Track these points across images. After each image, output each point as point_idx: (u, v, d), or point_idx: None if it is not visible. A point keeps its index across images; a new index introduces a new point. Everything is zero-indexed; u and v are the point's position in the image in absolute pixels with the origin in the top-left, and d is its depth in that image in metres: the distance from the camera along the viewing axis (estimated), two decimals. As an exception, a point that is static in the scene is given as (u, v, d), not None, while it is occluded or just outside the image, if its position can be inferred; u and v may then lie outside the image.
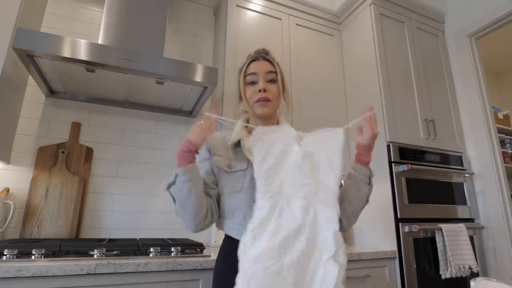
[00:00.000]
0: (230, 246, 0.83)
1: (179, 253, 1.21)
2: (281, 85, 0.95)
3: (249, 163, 0.86)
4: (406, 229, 1.58)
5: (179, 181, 0.78)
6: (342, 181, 0.88)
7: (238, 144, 0.90)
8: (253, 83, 0.92)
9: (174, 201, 0.81)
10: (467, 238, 1.63)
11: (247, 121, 0.96)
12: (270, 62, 0.95)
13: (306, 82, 1.97)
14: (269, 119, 0.94)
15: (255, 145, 0.76)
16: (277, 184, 0.72)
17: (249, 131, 0.91)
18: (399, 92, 1.87)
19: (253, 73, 0.92)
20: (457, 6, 2.17)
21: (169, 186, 0.80)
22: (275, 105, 0.93)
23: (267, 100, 0.89)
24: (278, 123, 0.96)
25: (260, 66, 0.93)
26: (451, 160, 1.88)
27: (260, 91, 0.89)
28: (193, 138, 0.78)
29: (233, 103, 1.72)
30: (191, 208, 0.79)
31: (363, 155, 0.85)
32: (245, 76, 0.94)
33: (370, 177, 0.87)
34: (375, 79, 1.85)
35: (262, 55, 0.96)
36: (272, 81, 0.93)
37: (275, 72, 0.94)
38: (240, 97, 0.96)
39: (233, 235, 0.86)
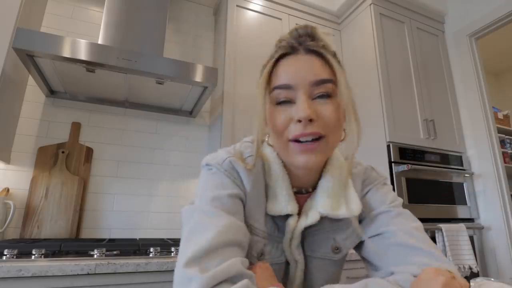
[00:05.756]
0: None
1: (179, 253, 1.21)
2: (345, 102, 0.49)
3: (284, 254, 0.55)
4: (406, 229, 1.58)
5: None
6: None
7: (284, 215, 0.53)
8: (286, 102, 0.49)
9: None
10: (467, 238, 1.63)
11: (279, 160, 0.54)
12: (322, 55, 0.50)
13: (306, 82, 1.97)
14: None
15: None
16: None
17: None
18: (399, 92, 1.87)
19: (286, 86, 0.48)
20: (457, 6, 2.17)
21: None
22: (331, 146, 0.50)
23: (315, 139, 0.47)
24: (324, 167, 0.56)
25: (299, 70, 0.48)
26: (451, 160, 1.88)
27: (300, 121, 0.46)
28: None
29: (240, 109, 1.72)
30: None
31: None
32: (269, 86, 0.50)
33: None
34: (375, 79, 1.85)
35: (306, 45, 0.50)
36: (325, 96, 0.48)
37: (331, 81, 0.49)
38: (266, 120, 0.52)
39: None
